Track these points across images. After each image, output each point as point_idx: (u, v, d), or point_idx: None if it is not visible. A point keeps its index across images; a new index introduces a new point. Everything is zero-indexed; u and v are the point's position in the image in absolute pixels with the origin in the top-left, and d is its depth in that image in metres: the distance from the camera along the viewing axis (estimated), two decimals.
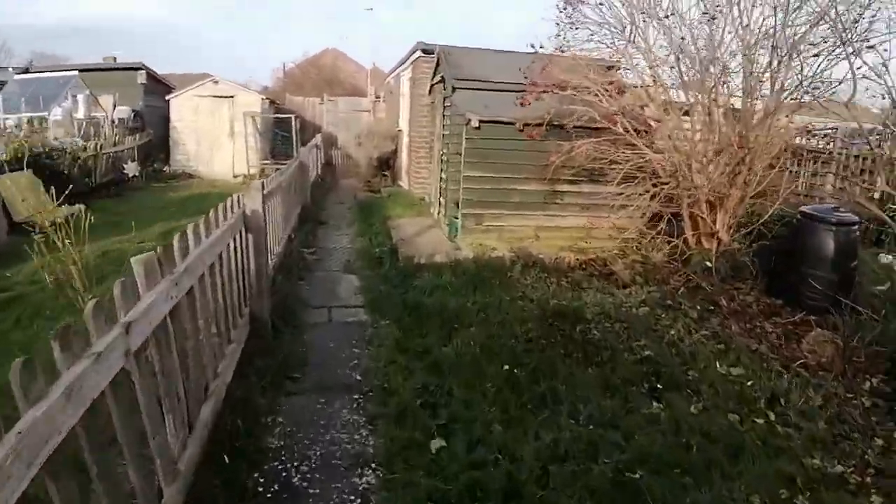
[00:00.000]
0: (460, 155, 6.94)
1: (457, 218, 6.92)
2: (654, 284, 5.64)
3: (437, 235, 7.46)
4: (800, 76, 5.24)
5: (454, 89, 7.08)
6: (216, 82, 14.06)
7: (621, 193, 5.82)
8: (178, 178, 13.95)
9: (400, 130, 13.19)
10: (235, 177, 13.93)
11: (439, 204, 8.28)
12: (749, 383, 3.72)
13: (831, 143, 9.65)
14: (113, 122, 14.04)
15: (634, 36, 5.65)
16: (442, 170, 8.04)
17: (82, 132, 13.11)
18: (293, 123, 10.38)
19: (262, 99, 14.57)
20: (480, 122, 6.26)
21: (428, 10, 65.98)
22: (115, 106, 15.18)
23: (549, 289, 5.59)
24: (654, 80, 5.82)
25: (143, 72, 15.44)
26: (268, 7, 70.37)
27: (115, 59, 18.01)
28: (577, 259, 6.85)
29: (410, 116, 11.17)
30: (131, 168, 12.02)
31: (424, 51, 9.79)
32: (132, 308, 1.85)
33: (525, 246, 6.91)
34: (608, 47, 5.82)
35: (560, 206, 6.98)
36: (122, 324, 1.74)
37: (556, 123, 5.85)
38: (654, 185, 5.56)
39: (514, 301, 5.12)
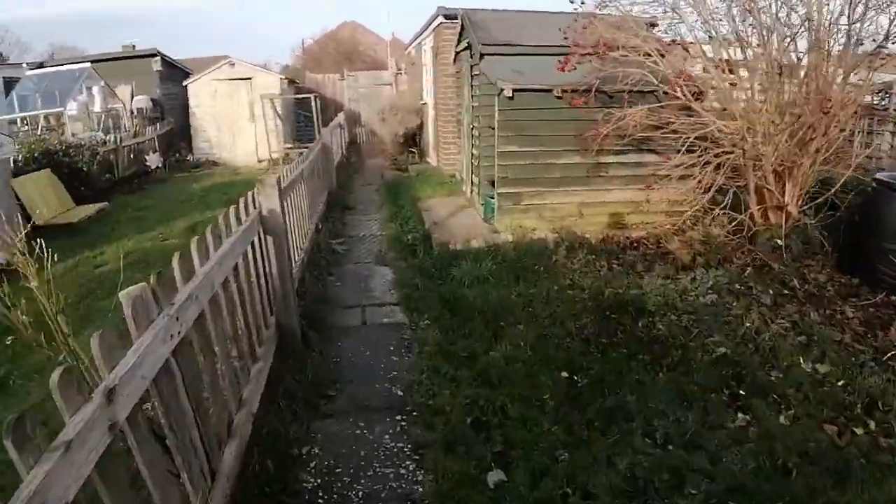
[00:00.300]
0: (493, 129, 6.41)
1: (492, 198, 6.43)
2: (718, 265, 5.09)
3: (471, 217, 7.00)
4: (877, 27, 4.53)
5: (482, 56, 6.51)
6: (233, 65, 13.69)
7: (679, 165, 5.22)
8: (201, 166, 13.77)
9: (424, 104, 12.63)
10: (259, 162, 13.65)
11: (471, 182, 7.79)
12: (840, 383, 3.22)
13: (886, 99, 8.73)
14: (132, 112, 13.89)
15: None
16: (473, 145, 7.53)
17: (101, 125, 12.99)
18: (313, 103, 9.95)
19: (281, 79, 14.15)
20: (514, 90, 5.70)
21: None
22: (132, 96, 15.02)
23: (600, 274, 5.11)
24: (709, 36, 5.15)
25: (158, 58, 15.17)
26: None
27: (133, 47, 17.79)
28: (627, 237, 6.32)
29: (435, 88, 10.59)
30: (153, 160, 11.85)
31: (446, 16, 9.16)
32: (118, 364, 1.48)
33: (568, 225, 6.40)
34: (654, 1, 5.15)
35: (605, 180, 6.41)
36: (102, 391, 1.37)
37: (602, 90, 5.24)
38: (717, 156, 4.95)
39: (563, 290, 4.67)
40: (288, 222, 3.77)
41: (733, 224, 5.66)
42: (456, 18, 8.98)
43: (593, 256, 5.67)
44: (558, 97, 5.88)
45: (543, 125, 6.01)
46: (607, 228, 6.52)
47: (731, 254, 5.45)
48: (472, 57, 7.18)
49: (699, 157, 5.02)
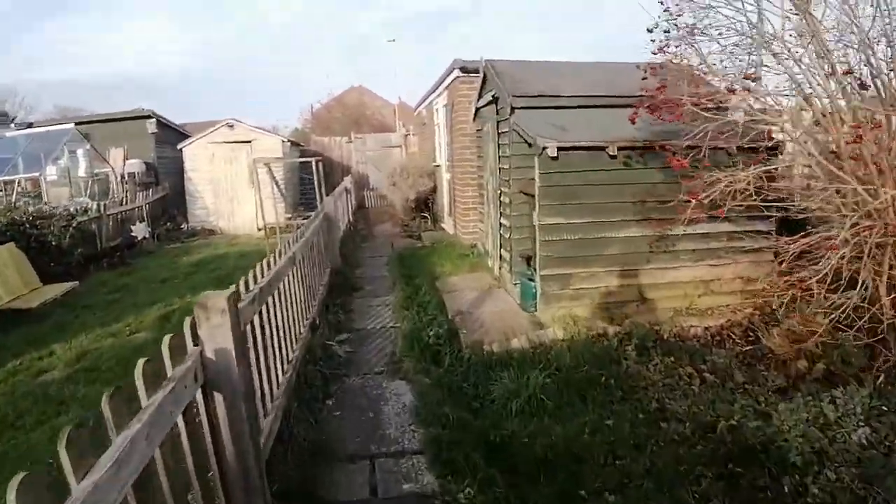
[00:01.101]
0: (529, 195, 5.31)
1: (531, 280, 5.22)
2: (852, 377, 3.78)
3: (504, 302, 5.77)
4: None
5: (513, 110, 5.49)
6: (231, 127, 12.97)
7: (801, 237, 4.01)
8: (197, 235, 12.79)
9: (437, 166, 11.71)
10: (260, 230, 12.66)
11: (500, 257, 6.61)
12: None
13: None
14: (122, 177, 13.07)
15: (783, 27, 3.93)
16: (502, 213, 6.41)
17: (87, 191, 12.13)
18: (314, 168, 9.00)
19: (283, 142, 13.39)
20: (559, 149, 4.61)
21: (447, 43, 66.18)
22: (125, 160, 14.30)
23: (693, 391, 3.81)
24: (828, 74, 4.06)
25: (153, 120, 14.54)
26: (290, 51, 71.92)
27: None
28: (706, 328, 5.06)
29: (450, 150, 9.65)
30: (139, 230, 10.85)
31: (464, 69, 8.31)
32: None
33: (628, 313, 5.16)
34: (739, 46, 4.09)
35: (672, 256, 5.22)
36: None
37: (692, 145, 4.09)
38: (853, 226, 3.73)
39: (653, 423, 3.36)
40: (259, 354, 2.55)
41: (842, 309, 4.39)
42: (475, 72, 8.12)
43: (672, 359, 4.40)
44: (612, 156, 4.78)
45: (596, 191, 4.89)
46: (676, 315, 5.26)
47: (855, 356, 4.14)
48: (498, 112, 6.19)
49: (828, 231, 3.80)
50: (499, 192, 6.42)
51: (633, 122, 4.31)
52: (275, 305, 3.30)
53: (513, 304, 5.66)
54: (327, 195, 8.91)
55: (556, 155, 4.59)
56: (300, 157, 16.32)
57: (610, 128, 5.24)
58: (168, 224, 13.13)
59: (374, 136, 18.15)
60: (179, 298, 6.96)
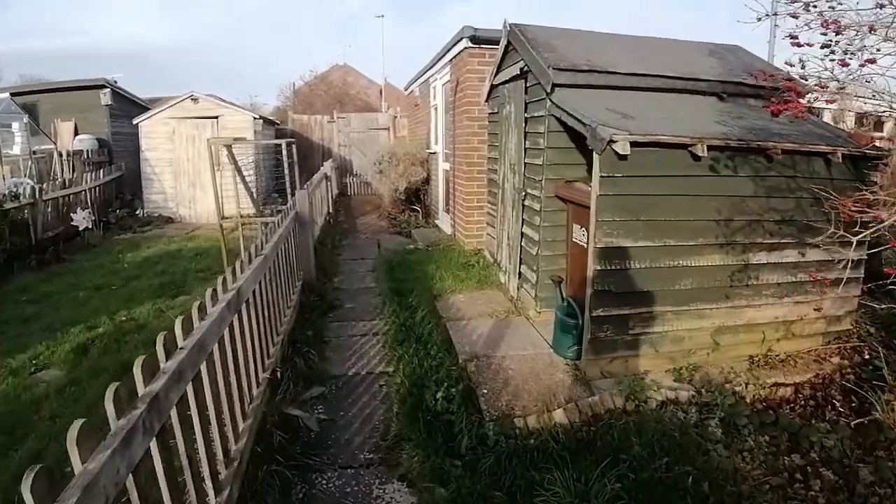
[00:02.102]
0: (575, 203, 4.02)
1: (571, 317, 3.93)
2: None
3: (530, 341, 4.46)
4: None
5: (554, 87, 4.15)
6: (195, 100, 11.36)
7: None
8: (152, 223, 11.23)
9: (433, 153, 10.31)
10: (225, 219, 11.14)
11: (519, 275, 5.32)
12: None
13: None
14: (68, 155, 11.40)
15: None
16: (525, 221, 5.10)
17: (26, 173, 10.48)
18: (284, 152, 7.51)
19: (256, 118, 11.82)
20: (634, 144, 3.29)
21: (437, 23, 64.21)
22: (76, 135, 12.60)
23: (814, 497, 2.60)
24: None
25: (108, 90, 12.82)
26: (272, 25, 69.03)
27: (115, 81, 15.60)
28: (794, 387, 3.90)
29: (451, 135, 8.27)
30: (81, 218, 9.28)
31: (474, 39, 6.90)
32: None
33: (696, 363, 3.92)
34: None
35: (753, 290, 3.99)
36: None
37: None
38: None
39: None
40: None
41: None
42: (489, 42, 6.73)
43: (766, 438, 3.22)
44: (697, 158, 3.48)
45: (672, 204, 3.60)
46: (753, 367, 4.05)
47: None
48: (527, 91, 4.84)
49: None
50: (523, 193, 5.09)
51: (776, 115, 3.00)
52: (206, 380, 1.96)
53: (541, 343, 4.36)
54: (303, 183, 7.48)
55: (626, 152, 3.26)
56: (275, 136, 14.77)
57: (686, 119, 3.93)
58: (121, 210, 11.53)
59: (360, 116, 16.61)
60: (109, 317, 5.52)
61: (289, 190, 8.03)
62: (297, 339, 4.43)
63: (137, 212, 11.85)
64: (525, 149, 4.97)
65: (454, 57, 7.70)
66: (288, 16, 70.53)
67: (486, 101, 6.40)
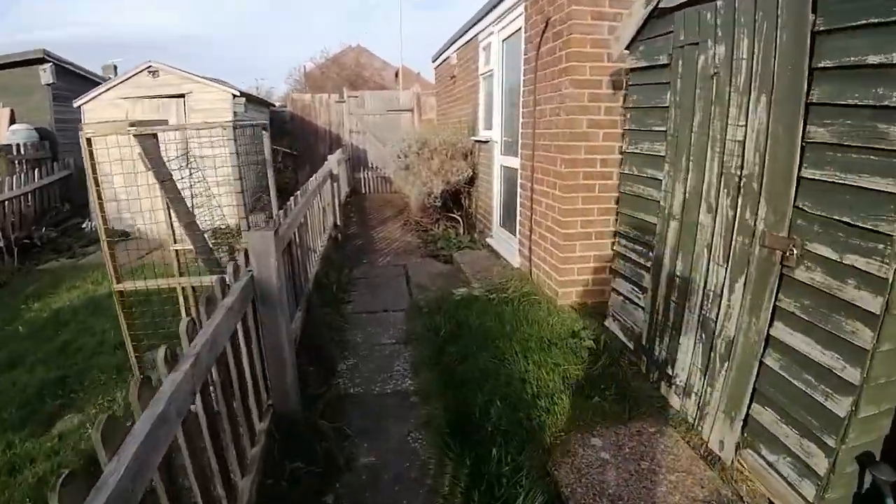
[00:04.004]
0: None
1: None
2: None
3: None
4: None
5: None
6: (154, 73, 8.47)
7: None
8: (99, 241, 8.43)
9: (482, 142, 7.33)
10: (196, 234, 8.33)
11: (745, 424, 2.35)
12: None
13: None
14: None
15: None
16: (786, 315, 2.11)
17: None
18: (266, 144, 4.64)
19: (236, 96, 8.86)
20: None
21: (451, 8, 61.02)
22: (11, 123, 9.82)
23: None
24: None
25: (49, 66, 9.97)
26: (285, 9, 66.00)
27: (115, 67, 12.97)
28: None
29: (532, 113, 5.27)
30: None
31: None
32: None
33: None
34: None
35: None
36: None
37: None
38: None
39: None
40: None
41: None
42: None
43: None
44: None
45: None
46: None
47: None
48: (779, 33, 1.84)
49: None
50: (789, 250, 2.13)
51: None
52: None
53: None
54: (288, 198, 4.55)
55: None
56: (270, 120, 11.90)
57: None
58: (64, 223, 8.75)
59: (377, 95, 13.63)
60: None
61: (245, 211, 5.12)
62: None
63: (85, 225, 9.08)
64: (807, 144, 2.01)
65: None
66: (302, 4, 67.48)
67: (630, 47, 3.39)
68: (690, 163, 2.87)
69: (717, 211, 2.70)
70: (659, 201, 3.20)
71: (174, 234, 4.31)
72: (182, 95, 8.60)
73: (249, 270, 2.60)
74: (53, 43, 47.74)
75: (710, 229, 2.76)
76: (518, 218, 5.75)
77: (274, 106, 13.57)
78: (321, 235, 6.38)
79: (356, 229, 9.01)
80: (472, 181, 7.93)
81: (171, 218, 4.17)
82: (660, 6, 3.00)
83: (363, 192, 13.04)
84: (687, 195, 2.92)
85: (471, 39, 7.77)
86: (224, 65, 55.89)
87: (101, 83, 11.44)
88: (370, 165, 13.20)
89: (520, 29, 5.46)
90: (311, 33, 60.44)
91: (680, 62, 2.92)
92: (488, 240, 7.02)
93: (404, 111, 13.08)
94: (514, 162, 5.90)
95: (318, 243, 5.89)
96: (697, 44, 2.76)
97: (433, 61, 11.66)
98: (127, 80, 8.58)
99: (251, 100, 10.15)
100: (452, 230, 8.07)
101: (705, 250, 2.82)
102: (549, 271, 4.78)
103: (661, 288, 3.22)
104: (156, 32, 60.56)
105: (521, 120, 5.47)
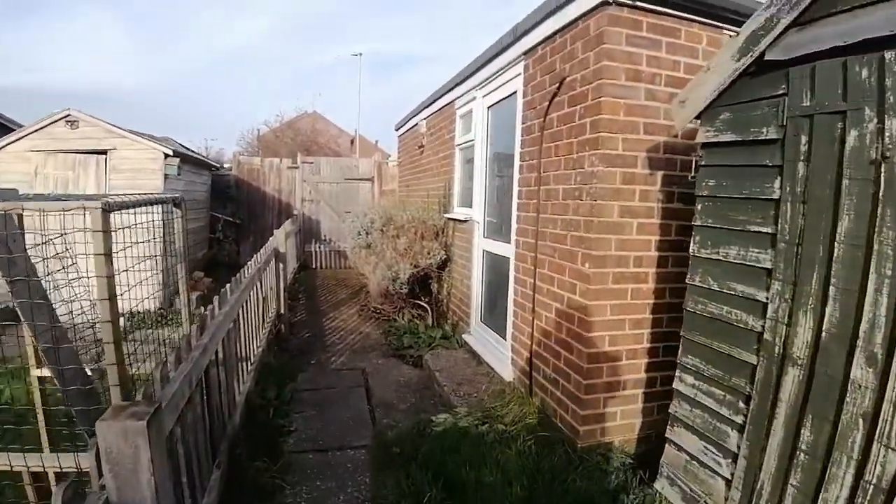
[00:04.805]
0: None
1: None
2: None
3: None
4: None
5: None
6: (72, 123, 7.19)
7: None
8: None
9: (459, 220, 6.35)
10: (132, 318, 6.85)
11: None
12: None
13: None
14: None
15: None
16: None
17: None
18: (178, 228, 3.45)
19: (168, 155, 7.62)
20: None
21: (401, 84, 62.99)
22: None
23: None
24: None
25: None
26: (238, 73, 66.03)
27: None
28: None
29: (537, 192, 4.33)
30: None
31: None
32: None
33: None
34: None
35: None
36: None
37: None
38: None
39: None
40: None
41: None
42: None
43: None
44: None
45: None
46: None
47: None
48: None
49: None
50: None
51: None
52: None
53: None
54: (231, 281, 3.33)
55: None
56: (212, 185, 10.72)
57: None
58: None
59: (333, 161, 12.68)
60: None
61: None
62: None
63: None
64: None
65: (551, 36, 3.84)
66: (257, 66, 67.79)
67: (703, 115, 2.49)
68: (832, 287, 1.90)
69: (886, 367, 1.71)
70: (762, 333, 2.20)
71: (37, 357, 2.98)
72: (104, 152, 7.32)
73: (103, 492, 1.36)
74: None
75: (871, 393, 1.76)
76: (510, 319, 4.68)
77: (218, 168, 12.35)
78: (260, 332, 5.10)
79: (305, 316, 7.70)
80: (443, 264, 6.88)
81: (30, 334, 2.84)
82: (767, 57, 2.12)
83: (314, 266, 11.77)
84: (824, 334, 1.93)
85: (445, 106, 6.98)
86: (174, 123, 54.50)
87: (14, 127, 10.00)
88: (323, 238, 12.03)
89: (514, 93, 4.63)
90: (266, 97, 60.24)
91: (803, 139, 2.01)
92: (465, 337, 5.88)
93: (363, 180, 12.14)
94: (504, 249, 4.90)
95: (254, 346, 4.60)
96: (843, 113, 1.86)
97: (397, 129, 10.90)
98: (40, 129, 7.26)
99: (187, 160, 8.93)
100: (420, 321, 6.91)
101: (861, 423, 1.81)
102: (563, 399, 3.67)
103: (768, 462, 2.17)
104: (110, 86, 58.80)
105: (515, 200, 4.52)
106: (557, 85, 3.69)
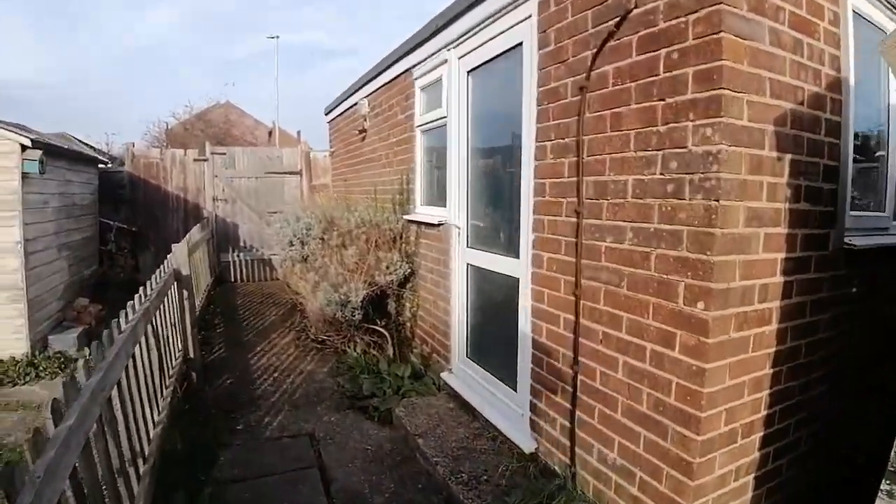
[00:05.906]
0: None
1: None
2: None
3: None
4: None
5: None
6: None
7: None
8: None
9: (426, 224, 4.96)
10: None
11: None
12: None
13: None
14: None
15: None
16: None
17: None
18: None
19: (26, 147, 5.67)
20: None
21: (319, 78, 60.54)
22: None
23: None
24: None
25: None
26: (146, 68, 60.15)
27: None
28: None
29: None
30: None
31: None
32: None
33: None
34: None
35: None
36: None
37: None
38: None
39: None
40: None
41: None
42: None
43: None
44: None
45: None
46: None
47: None
48: None
49: None
50: None
51: None
52: None
53: None
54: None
55: None
56: (99, 183, 8.73)
57: None
58: None
59: (251, 152, 10.86)
60: None
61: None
62: None
63: None
64: None
65: None
66: (167, 60, 62.06)
67: None
68: None
69: None
70: None
71: None
72: None
73: None
74: None
75: None
76: (527, 365, 3.36)
77: (108, 164, 10.21)
78: (157, 399, 3.52)
79: (223, 351, 6.05)
80: (405, 282, 5.47)
81: None
82: None
83: (233, 279, 9.96)
84: None
85: (398, 77, 5.56)
86: (76, 120, 48.66)
87: None
88: (243, 245, 10.21)
89: (519, 45, 3.31)
90: (178, 92, 55.17)
91: None
92: (446, 377, 4.54)
93: (289, 174, 10.42)
94: (507, 266, 3.59)
95: (146, 430, 3.04)
96: None
97: (327, 113, 9.31)
98: None
99: (61, 154, 6.95)
100: (377, 351, 5.48)
101: None
102: (647, 501, 2.42)
103: None
104: (4, 81, 51.55)
105: (530, 198, 3.20)
106: (617, 21, 2.40)
